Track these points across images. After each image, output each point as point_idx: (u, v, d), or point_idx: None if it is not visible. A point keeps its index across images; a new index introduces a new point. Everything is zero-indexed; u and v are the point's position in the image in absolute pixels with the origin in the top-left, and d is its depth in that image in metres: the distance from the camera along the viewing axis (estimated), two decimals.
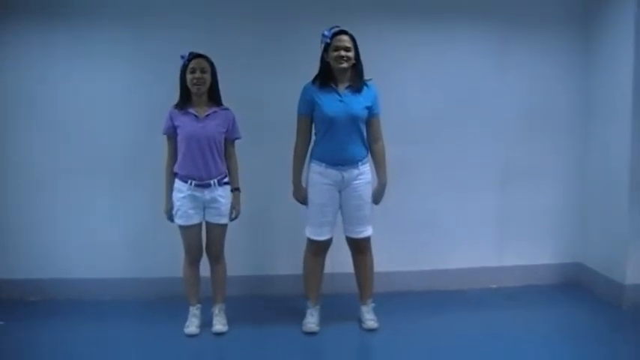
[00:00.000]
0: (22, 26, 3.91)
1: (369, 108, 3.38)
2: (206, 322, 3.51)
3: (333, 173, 3.38)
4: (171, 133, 3.38)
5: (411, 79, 4.07)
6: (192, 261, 3.48)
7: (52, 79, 3.94)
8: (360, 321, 3.58)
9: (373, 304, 3.60)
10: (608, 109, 4.03)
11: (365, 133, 3.43)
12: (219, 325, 3.48)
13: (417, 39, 4.09)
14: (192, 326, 3.45)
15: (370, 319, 3.54)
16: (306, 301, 3.57)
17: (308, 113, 3.41)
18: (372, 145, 3.46)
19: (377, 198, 3.50)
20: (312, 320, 3.50)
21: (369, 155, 3.47)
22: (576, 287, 4.23)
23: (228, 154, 3.46)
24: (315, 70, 3.43)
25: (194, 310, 3.50)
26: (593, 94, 4.18)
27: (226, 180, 3.44)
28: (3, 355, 3.28)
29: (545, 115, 4.22)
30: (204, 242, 3.49)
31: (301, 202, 3.49)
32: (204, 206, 3.40)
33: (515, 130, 4.21)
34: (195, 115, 3.35)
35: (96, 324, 3.65)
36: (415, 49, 4.08)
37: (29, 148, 3.98)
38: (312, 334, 3.46)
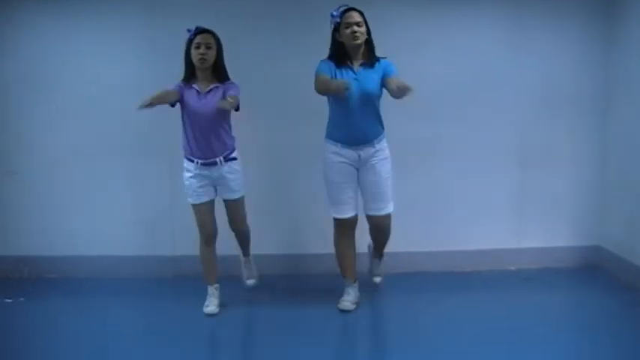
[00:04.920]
0: (36, 8, 3.91)
1: (382, 78, 3.27)
2: (225, 302, 3.52)
3: (349, 152, 3.34)
4: (181, 98, 3.28)
5: (429, 61, 3.99)
6: (207, 241, 3.47)
7: (64, 58, 3.95)
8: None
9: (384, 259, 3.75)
10: (628, 89, 3.94)
11: (380, 111, 3.36)
12: (251, 278, 3.73)
13: (435, 20, 4.03)
14: (211, 305, 3.46)
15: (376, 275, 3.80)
16: (344, 279, 3.56)
17: (328, 74, 3.27)
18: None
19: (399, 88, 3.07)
20: (347, 298, 3.50)
21: (385, 132, 3.40)
22: (595, 270, 4.20)
23: None
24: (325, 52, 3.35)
25: (212, 290, 3.51)
26: (613, 73, 4.09)
27: (233, 155, 3.40)
28: (22, 331, 3.31)
29: (565, 96, 4.15)
30: (227, 220, 3.52)
31: (345, 89, 3.11)
32: (215, 184, 3.40)
33: (535, 111, 4.15)
34: (198, 91, 3.30)
35: (114, 301, 3.68)
36: (433, 30, 4.03)
37: (45, 128, 3.99)
38: (346, 311, 3.45)
